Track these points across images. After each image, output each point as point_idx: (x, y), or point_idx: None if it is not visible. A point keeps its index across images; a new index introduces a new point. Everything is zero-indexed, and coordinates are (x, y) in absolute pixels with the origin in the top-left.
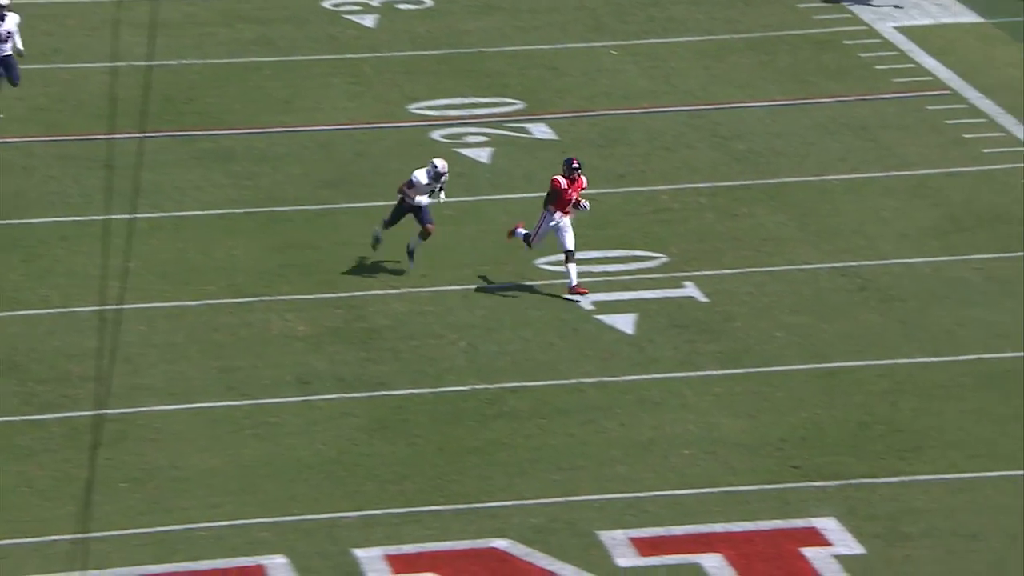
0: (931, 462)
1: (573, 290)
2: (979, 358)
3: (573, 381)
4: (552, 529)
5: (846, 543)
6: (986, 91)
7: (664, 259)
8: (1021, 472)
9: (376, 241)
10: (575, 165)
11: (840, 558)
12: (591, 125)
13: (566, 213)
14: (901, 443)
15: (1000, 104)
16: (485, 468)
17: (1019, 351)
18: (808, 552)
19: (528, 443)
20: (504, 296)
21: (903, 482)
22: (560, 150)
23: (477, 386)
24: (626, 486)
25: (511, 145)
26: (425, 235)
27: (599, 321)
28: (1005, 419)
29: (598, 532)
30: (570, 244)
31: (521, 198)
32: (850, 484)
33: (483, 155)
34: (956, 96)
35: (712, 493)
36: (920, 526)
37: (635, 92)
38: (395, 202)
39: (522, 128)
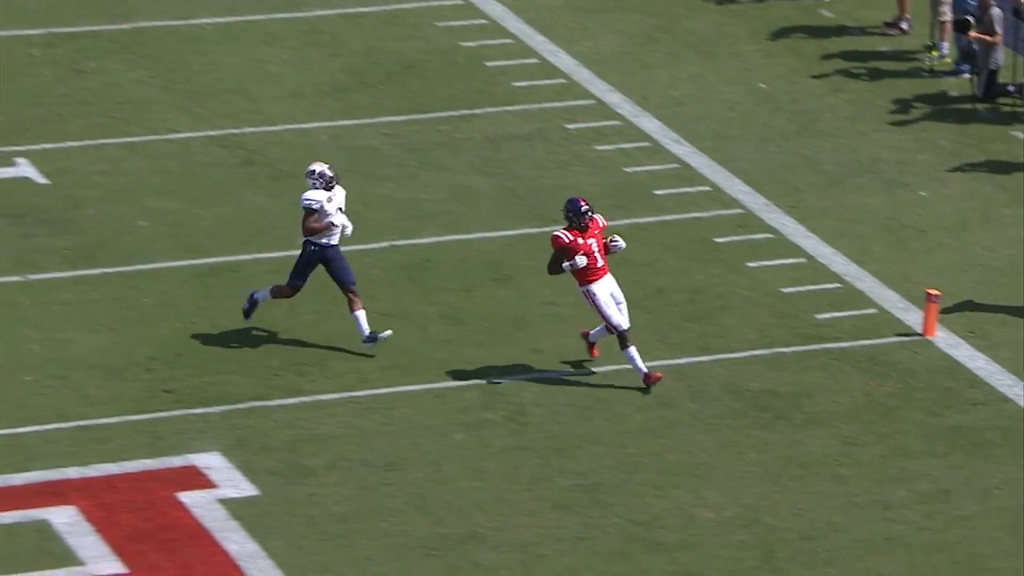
0: (337, 377)
1: (648, 379)
2: (392, 245)
3: None
4: None
5: (234, 483)
6: None
7: None
8: (443, 384)
9: (252, 306)
10: (584, 208)
11: (227, 502)
12: None
13: (602, 272)
14: (300, 355)
15: None
16: None
17: (438, 235)
18: (187, 497)
19: None
20: None
21: (303, 403)
22: None
23: None
24: None
25: None
26: (353, 303)
27: None
28: (428, 319)
29: None
30: (625, 321)
31: None
32: (238, 409)
33: None
34: None
35: (62, 430)
36: (325, 457)
37: None
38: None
39: None
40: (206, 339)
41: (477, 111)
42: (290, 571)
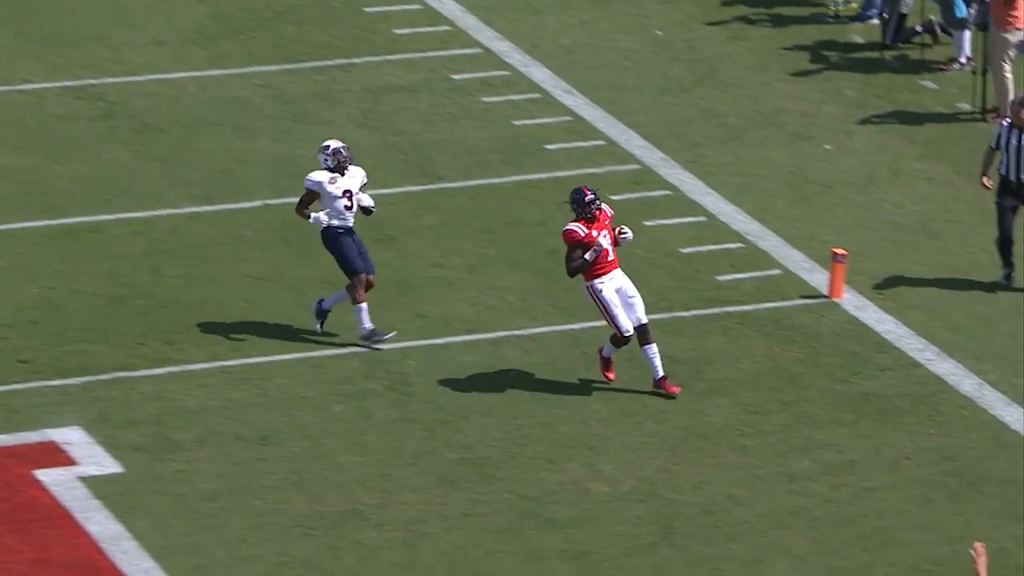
0: (207, 346)
1: (660, 383)
2: (266, 204)
3: None
4: None
5: (96, 460)
6: None
7: None
8: (321, 352)
9: (322, 316)
10: (589, 198)
11: (88, 480)
12: None
13: (611, 266)
14: (167, 322)
15: None
16: None
17: None
18: (45, 475)
19: None
20: None
21: (170, 374)
22: None
23: None
24: None
25: None
26: (359, 288)
27: None
28: (304, 282)
29: None
30: (642, 315)
31: None
32: (100, 380)
33: None
34: None
35: None
36: (195, 431)
37: None
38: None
39: None
40: (64, 305)
41: (356, 60)
42: (157, 553)
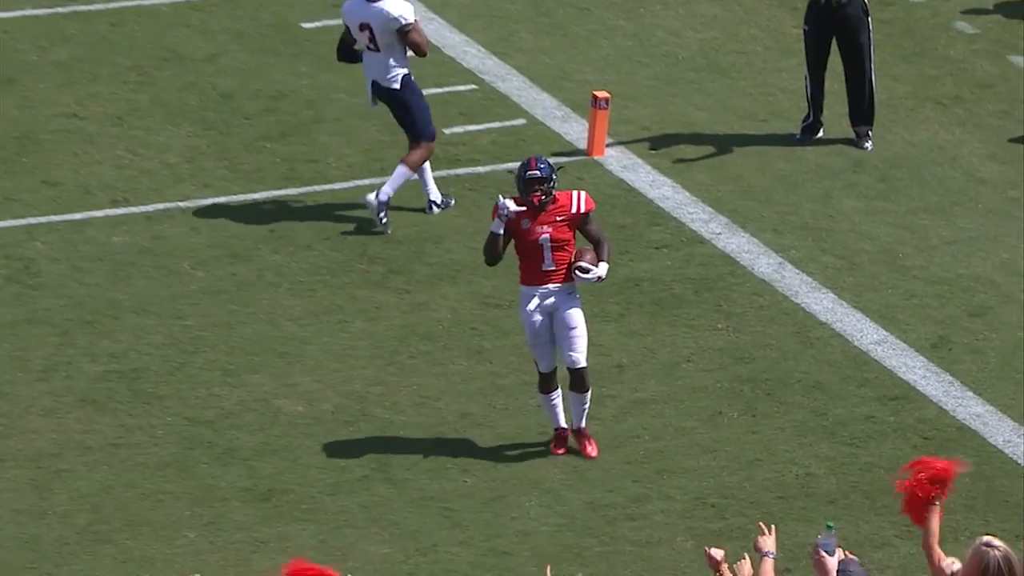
0: None
1: (578, 433)
2: None
3: None
4: None
5: None
6: None
7: None
8: None
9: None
10: (530, 174)
11: None
12: None
13: (553, 279)
14: None
15: None
16: None
17: None
18: None
19: None
20: None
21: None
22: None
23: None
24: None
25: None
26: (429, 154)
27: None
28: None
29: None
30: (578, 356)
31: None
32: None
33: None
34: None
35: None
36: None
37: None
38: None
39: None
40: None
41: None
42: None
